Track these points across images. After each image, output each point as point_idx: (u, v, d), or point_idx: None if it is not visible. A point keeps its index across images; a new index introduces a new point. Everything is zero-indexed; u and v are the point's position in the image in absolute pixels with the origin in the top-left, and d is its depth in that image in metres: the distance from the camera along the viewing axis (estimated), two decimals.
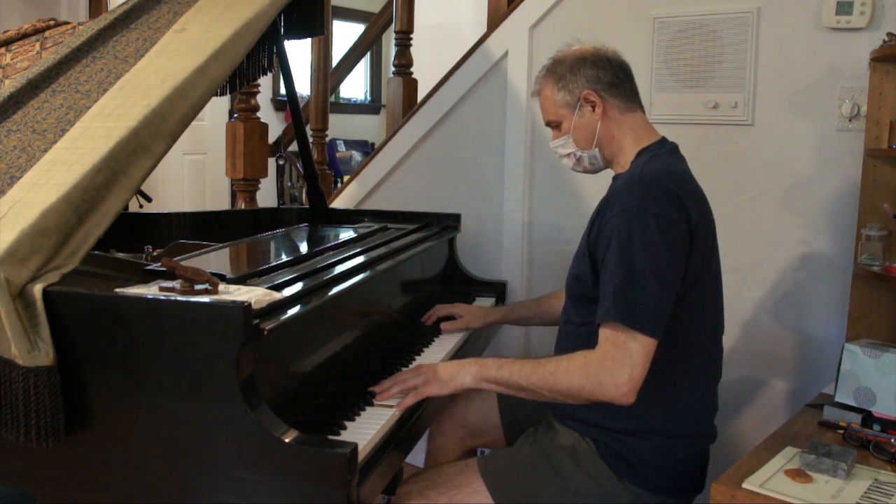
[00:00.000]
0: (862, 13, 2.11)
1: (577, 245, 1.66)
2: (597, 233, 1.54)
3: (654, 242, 1.44)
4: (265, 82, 5.31)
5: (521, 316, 2.09)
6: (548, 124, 1.74)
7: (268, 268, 1.57)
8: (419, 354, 1.85)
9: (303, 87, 4.58)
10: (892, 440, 1.51)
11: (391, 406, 1.52)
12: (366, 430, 1.40)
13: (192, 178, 5.15)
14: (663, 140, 1.68)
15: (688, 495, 1.64)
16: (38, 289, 1.25)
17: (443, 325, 2.03)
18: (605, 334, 1.44)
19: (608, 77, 1.63)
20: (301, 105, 2.60)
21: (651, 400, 1.53)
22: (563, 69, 1.66)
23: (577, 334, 1.61)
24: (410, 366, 1.75)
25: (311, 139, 3.11)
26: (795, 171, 2.28)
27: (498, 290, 2.45)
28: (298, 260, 1.70)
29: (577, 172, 1.76)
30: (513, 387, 1.53)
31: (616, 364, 1.41)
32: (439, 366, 1.59)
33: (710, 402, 1.67)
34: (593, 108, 1.64)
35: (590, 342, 1.48)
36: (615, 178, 1.69)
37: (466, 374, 1.56)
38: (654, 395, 1.53)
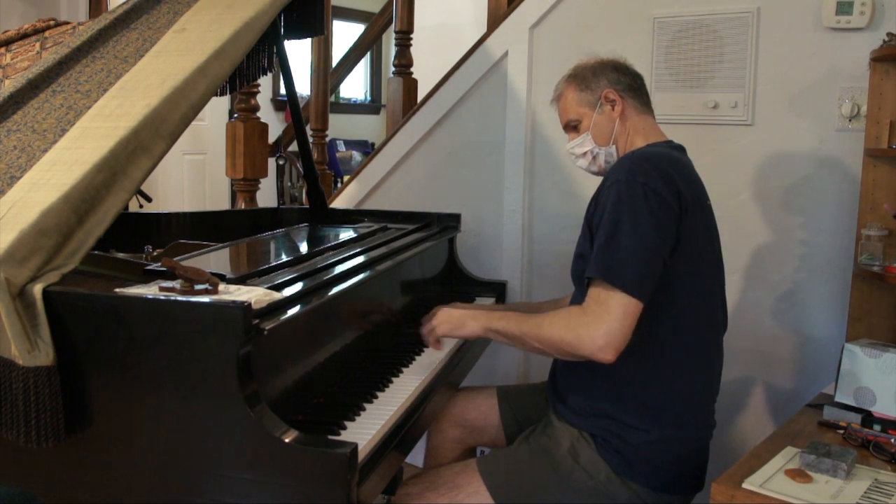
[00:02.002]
0: (862, 13, 2.11)
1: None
2: (593, 209, 1.60)
3: (639, 208, 1.49)
4: (265, 82, 5.32)
5: None
6: (566, 126, 1.80)
7: (268, 268, 1.57)
8: (419, 354, 1.85)
9: (303, 87, 4.59)
10: (892, 440, 1.51)
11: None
12: (366, 430, 1.40)
13: (192, 178, 5.14)
14: (671, 141, 1.75)
15: (687, 493, 1.65)
16: (38, 289, 1.25)
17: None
18: (590, 292, 1.50)
19: (628, 80, 1.74)
20: (301, 105, 2.60)
21: (650, 381, 1.57)
22: (585, 72, 1.76)
23: None
24: (410, 366, 1.75)
25: (311, 139, 3.11)
26: (795, 171, 2.28)
27: (498, 290, 2.45)
28: (298, 260, 1.70)
29: (591, 173, 1.80)
30: (509, 336, 1.62)
31: (594, 319, 1.47)
32: (454, 311, 1.75)
33: (709, 388, 1.68)
34: (613, 106, 1.73)
35: None
36: None
37: (475, 323, 1.69)
38: (653, 376, 1.56)
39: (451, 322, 1.72)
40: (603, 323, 1.45)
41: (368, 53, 6.11)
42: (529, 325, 1.58)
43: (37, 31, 1.99)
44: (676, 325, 1.58)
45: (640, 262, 1.47)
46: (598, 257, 1.50)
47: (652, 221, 1.49)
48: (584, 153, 1.76)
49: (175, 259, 1.41)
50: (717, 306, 1.68)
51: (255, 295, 1.33)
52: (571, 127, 1.78)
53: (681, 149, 1.74)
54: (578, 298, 1.68)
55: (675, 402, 1.60)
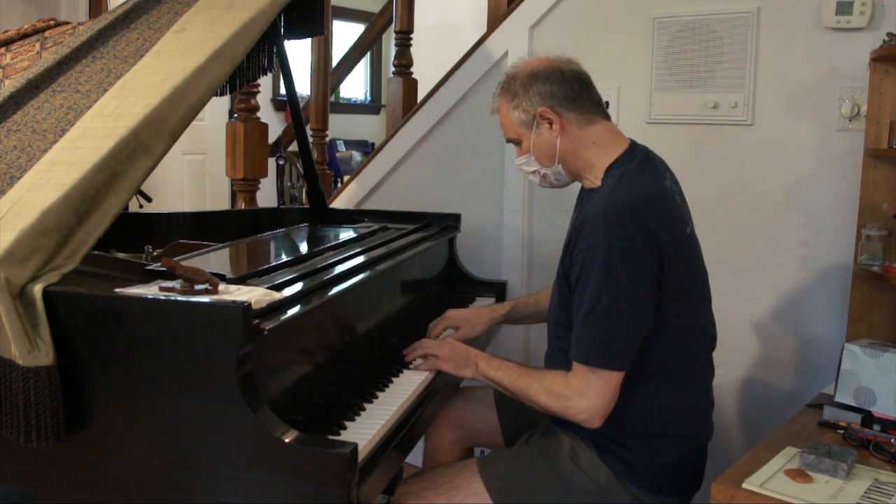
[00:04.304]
0: (862, 13, 2.11)
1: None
2: (569, 264, 1.57)
3: (618, 279, 1.45)
4: (265, 82, 5.31)
5: (523, 314, 2.04)
6: (508, 142, 1.69)
7: (268, 268, 1.57)
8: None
9: (303, 87, 4.58)
10: (892, 440, 1.51)
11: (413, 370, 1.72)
12: (366, 430, 1.40)
13: (192, 178, 5.14)
14: (631, 148, 1.63)
15: (686, 494, 1.65)
16: (38, 289, 1.25)
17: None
18: (573, 365, 1.51)
19: (563, 91, 1.58)
20: (301, 105, 2.60)
21: (645, 406, 1.57)
22: (516, 87, 1.61)
23: (569, 357, 1.58)
24: (410, 366, 1.75)
25: (311, 139, 3.11)
26: (795, 171, 2.28)
27: (498, 290, 2.45)
28: (298, 260, 1.70)
29: (546, 188, 1.72)
30: (503, 388, 1.63)
31: (576, 394, 1.49)
32: (461, 347, 1.72)
33: (704, 401, 1.68)
34: (550, 124, 1.59)
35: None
36: (583, 196, 1.68)
37: (474, 367, 1.68)
38: (647, 402, 1.57)
39: (455, 363, 1.70)
40: (585, 399, 1.47)
41: (368, 53, 6.11)
42: (520, 385, 1.58)
43: (37, 31, 1.99)
44: (671, 348, 1.57)
45: (622, 337, 1.46)
46: (579, 336, 1.49)
47: (631, 289, 1.45)
48: (533, 172, 1.67)
49: (175, 259, 1.41)
50: (707, 325, 1.67)
51: (255, 295, 1.33)
52: (514, 143, 1.67)
53: (646, 158, 1.61)
54: (560, 331, 1.64)
55: (673, 420, 1.60)
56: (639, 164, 1.59)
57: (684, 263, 1.54)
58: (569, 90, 1.58)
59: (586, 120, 1.60)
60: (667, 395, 1.59)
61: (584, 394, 1.47)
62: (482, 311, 2.00)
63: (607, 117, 1.65)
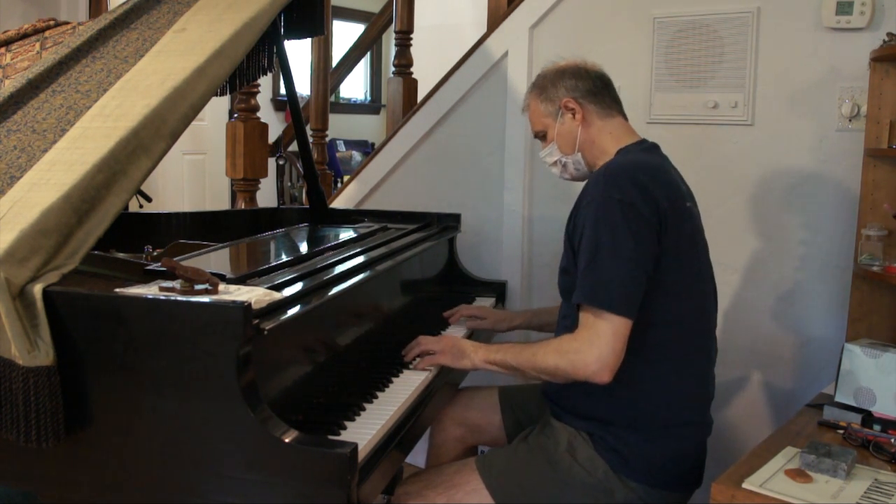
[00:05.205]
0: (862, 13, 2.11)
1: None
2: (573, 226, 1.62)
3: (617, 226, 1.50)
4: (265, 82, 5.31)
5: (546, 322, 2.06)
6: (536, 136, 1.82)
7: (268, 268, 1.57)
8: (420, 354, 1.85)
9: (303, 87, 4.58)
10: (892, 440, 1.51)
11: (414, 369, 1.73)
12: (366, 430, 1.40)
13: (192, 178, 5.14)
14: (643, 140, 1.75)
15: (685, 490, 1.65)
16: (38, 289, 1.25)
17: (468, 324, 2.08)
18: (580, 317, 1.53)
19: (586, 85, 1.73)
20: (301, 105, 2.60)
21: (643, 387, 1.58)
22: (545, 82, 1.77)
23: (574, 328, 1.61)
24: (410, 365, 1.75)
25: (311, 139, 3.11)
26: (795, 171, 2.28)
27: (498, 290, 2.45)
28: (298, 260, 1.70)
29: (565, 180, 1.83)
30: (508, 368, 1.64)
31: (585, 343, 1.49)
32: (457, 340, 1.76)
33: (703, 388, 1.69)
34: (573, 114, 1.73)
35: None
36: None
37: (475, 355, 1.70)
38: (645, 382, 1.58)
39: (453, 354, 1.72)
40: (594, 347, 1.48)
41: (368, 53, 6.11)
42: (525, 356, 1.60)
43: (37, 31, 1.99)
44: (667, 328, 1.58)
45: (623, 281, 1.49)
46: (582, 282, 1.52)
47: (629, 237, 1.50)
48: (554, 162, 1.79)
49: (175, 259, 1.41)
50: (706, 307, 1.68)
51: (255, 295, 1.32)
52: (541, 136, 1.80)
53: (654, 148, 1.74)
54: (568, 309, 1.69)
55: (670, 403, 1.60)
56: (645, 149, 1.72)
57: (680, 229, 1.58)
58: (591, 85, 1.74)
59: (605, 113, 1.74)
60: (664, 375, 1.59)
61: (593, 342, 1.48)
62: (507, 311, 2.16)
63: (624, 116, 1.78)
